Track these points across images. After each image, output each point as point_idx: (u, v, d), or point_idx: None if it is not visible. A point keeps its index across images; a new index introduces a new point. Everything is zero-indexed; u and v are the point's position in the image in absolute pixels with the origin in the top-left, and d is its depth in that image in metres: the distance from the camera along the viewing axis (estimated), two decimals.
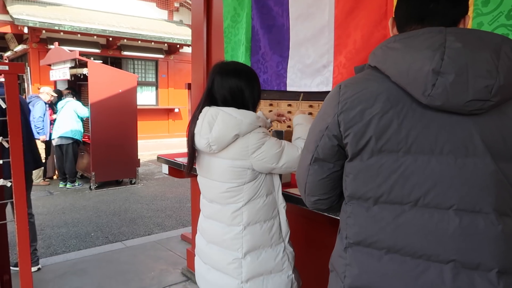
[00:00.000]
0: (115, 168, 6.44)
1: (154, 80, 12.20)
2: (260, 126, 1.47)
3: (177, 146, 11.20)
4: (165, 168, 2.93)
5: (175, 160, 2.78)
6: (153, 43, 11.07)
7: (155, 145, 10.81)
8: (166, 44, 11.63)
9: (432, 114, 0.89)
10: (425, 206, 0.90)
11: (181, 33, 11.52)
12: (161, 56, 11.86)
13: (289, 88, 2.30)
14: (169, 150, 10.49)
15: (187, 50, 12.21)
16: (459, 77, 0.84)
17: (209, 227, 1.57)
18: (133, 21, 10.98)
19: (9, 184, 2.12)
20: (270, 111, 2.49)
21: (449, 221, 0.88)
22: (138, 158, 6.87)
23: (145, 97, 11.99)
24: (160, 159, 2.94)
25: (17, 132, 1.83)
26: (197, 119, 1.51)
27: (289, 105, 2.36)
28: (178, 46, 11.72)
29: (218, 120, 1.42)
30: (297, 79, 2.24)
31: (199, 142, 1.48)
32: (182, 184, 6.84)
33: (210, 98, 1.52)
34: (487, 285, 0.86)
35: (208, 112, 1.47)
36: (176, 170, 2.87)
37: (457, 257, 0.87)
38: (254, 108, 1.53)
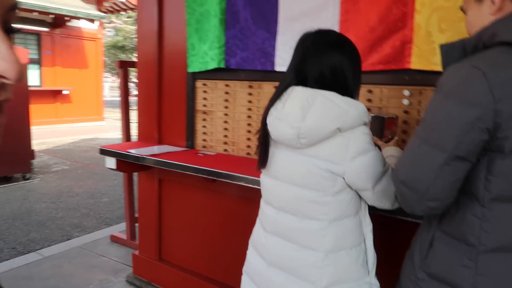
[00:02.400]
0: (3, 162, 5.35)
1: (36, 56, 10.51)
2: (365, 124, 1.14)
3: (69, 133, 9.96)
4: (110, 162, 2.44)
5: (128, 152, 2.32)
6: (36, 14, 9.46)
7: (41, 132, 9.36)
8: (51, 16, 10.07)
9: None
10: None
11: (70, 4, 10.08)
12: (45, 29, 10.25)
13: (278, 68, 2.05)
14: (59, 138, 9.26)
15: (77, 24, 10.81)
16: None
17: (274, 245, 1.21)
18: None
19: None
20: (250, 93, 2.21)
21: None
22: (32, 149, 5.83)
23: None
24: (105, 151, 2.43)
25: None
26: (278, 99, 1.16)
27: (275, 87, 2.11)
28: (66, 18, 10.24)
29: (316, 106, 1.08)
30: (289, 59, 1.98)
31: (282, 131, 1.12)
32: (89, 176, 6.05)
33: (298, 76, 1.17)
34: None
35: (301, 93, 1.11)
36: (127, 163, 2.41)
37: None
38: (357, 94, 1.21)
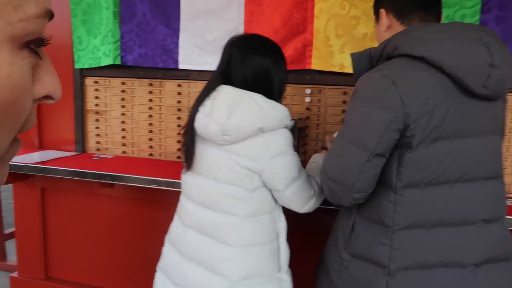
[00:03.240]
0: None
1: None
2: (286, 127, 1.21)
3: None
4: None
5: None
6: None
7: None
8: None
9: (475, 102, 1.01)
10: (465, 181, 1.03)
11: None
12: None
13: (182, 66, 2.00)
14: None
15: None
16: (505, 68, 1.00)
17: (192, 240, 1.22)
18: None
19: None
20: (150, 92, 2.11)
21: (479, 190, 1.04)
22: None
23: None
24: None
25: None
26: (206, 97, 1.17)
27: (179, 85, 2.06)
28: None
29: (243, 106, 1.13)
30: (193, 56, 1.97)
31: (208, 127, 1.15)
32: None
33: (224, 79, 1.19)
34: (498, 230, 1.08)
35: (229, 92, 1.15)
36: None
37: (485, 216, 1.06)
38: (280, 98, 1.26)
